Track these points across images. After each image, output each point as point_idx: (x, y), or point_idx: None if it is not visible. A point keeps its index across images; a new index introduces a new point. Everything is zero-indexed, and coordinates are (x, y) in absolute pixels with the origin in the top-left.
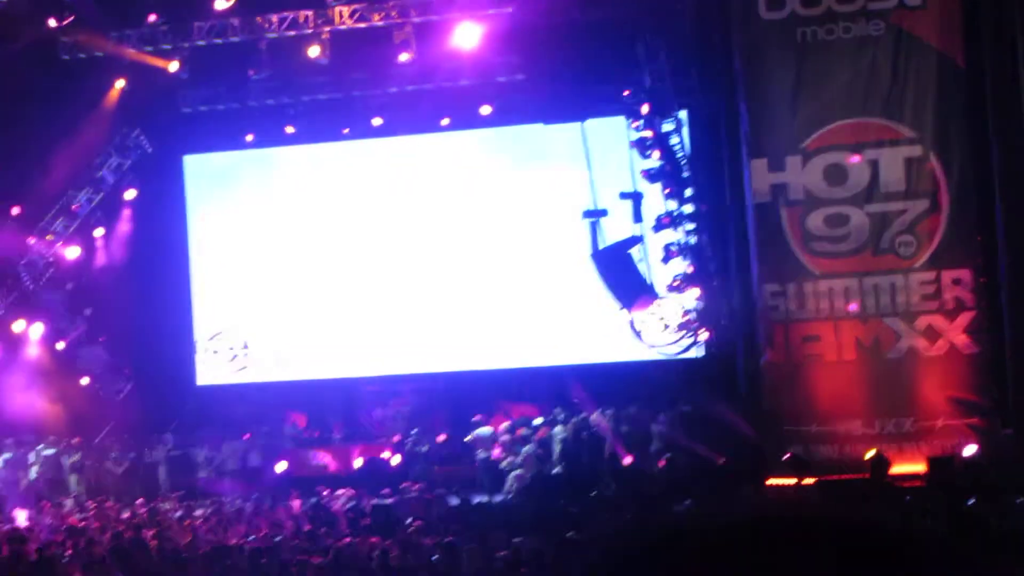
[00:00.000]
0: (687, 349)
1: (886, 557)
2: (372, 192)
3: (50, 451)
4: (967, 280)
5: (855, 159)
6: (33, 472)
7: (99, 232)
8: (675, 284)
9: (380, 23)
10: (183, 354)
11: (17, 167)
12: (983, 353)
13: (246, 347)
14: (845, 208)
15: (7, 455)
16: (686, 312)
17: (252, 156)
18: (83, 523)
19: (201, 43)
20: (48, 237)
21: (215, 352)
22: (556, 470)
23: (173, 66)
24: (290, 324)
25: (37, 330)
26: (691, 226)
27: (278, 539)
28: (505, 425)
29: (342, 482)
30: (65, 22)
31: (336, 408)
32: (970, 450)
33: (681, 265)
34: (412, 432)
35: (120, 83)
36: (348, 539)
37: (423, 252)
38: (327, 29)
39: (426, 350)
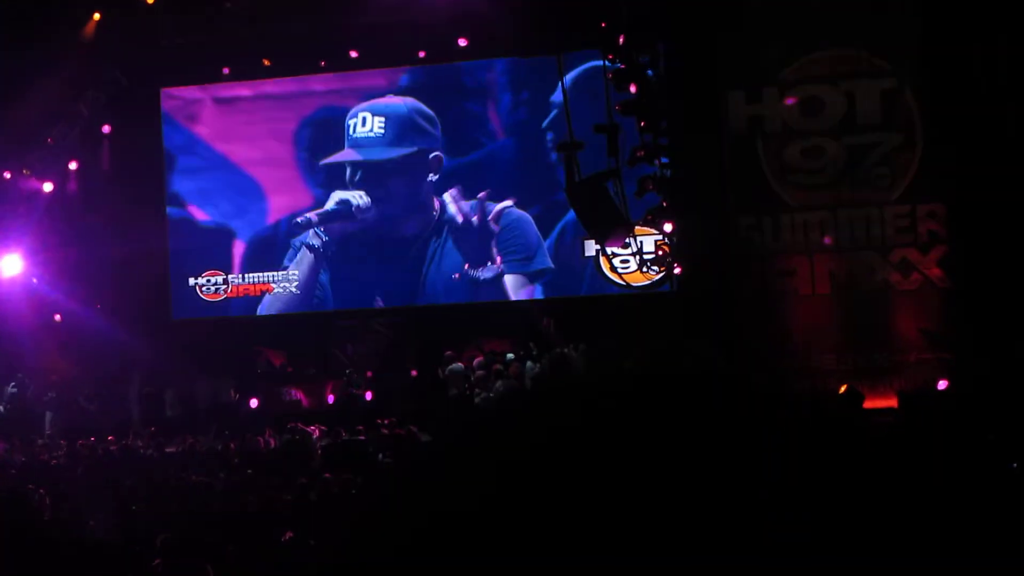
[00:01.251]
0: (662, 283)
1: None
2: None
3: (14, 389)
4: (942, 214)
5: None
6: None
7: (74, 165)
8: (650, 218)
9: None
10: (158, 289)
11: None
12: (957, 287)
13: (226, 282)
14: (821, 140)
15: None
16: (661, 246)
17: (228, 89)
18: (54, 461)
19: None
20: (24, 172)
21: (194, 286)
22: None
23: None
24: (267, 259)
25: (11, 264)
26: (666, 159)
27: (250, 472)
28: (478, 360)
29: (316, 418)
30: None
31: (309, 344)
32: (943, 385)
33: (656, 198)
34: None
35: (96, 16)
36: (328, 475)
37: (387, 188)
38: None
39: (400, 284)
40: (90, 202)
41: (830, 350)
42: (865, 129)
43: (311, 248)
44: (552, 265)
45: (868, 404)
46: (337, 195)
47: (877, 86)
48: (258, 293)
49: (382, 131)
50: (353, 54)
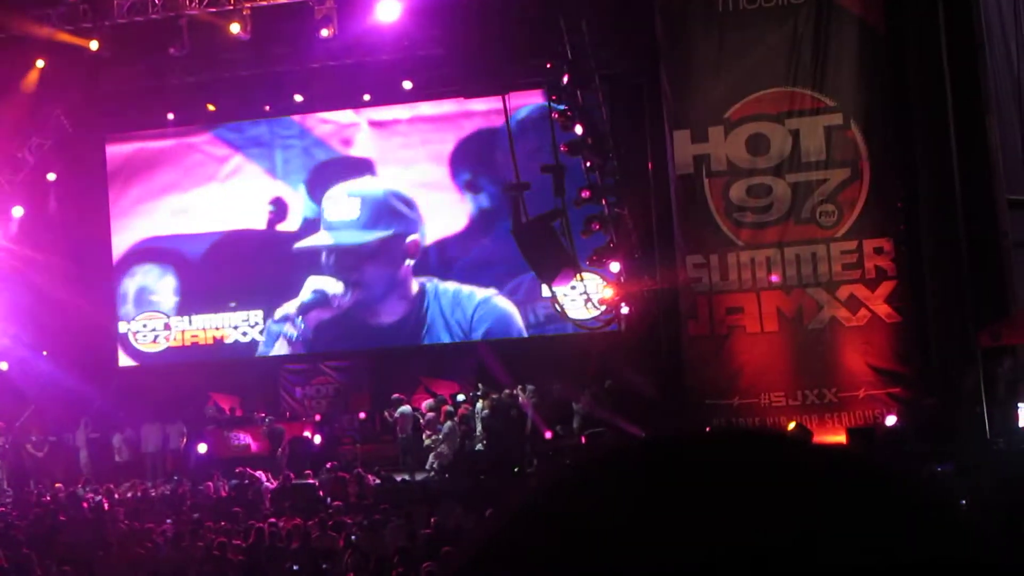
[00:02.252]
0: (609, 323)
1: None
2: (290, 168)
3: None
4: (888, 249)
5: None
6: None
7: (18, 212)
8: (597, 257)
9: None
10: (105, 336)
11: None
12: (905, 322)
13: (168, 328)
14: (767, 178)
15: None
16: (607, 285)
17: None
18: (1, 508)
19: (121, 21)
20: None
21: (137, 333)
22: (478, 447)
23: (93, 45)
24: (212, 305)
25: None
26: (613, 198)
27: (197, 518)
28: (427, 403)
29: (264, 463)
30: None
31: (258, 389)
32: (891, 420)
33: (603, 238)
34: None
35: (40, 62)
36: (271, 520)
37: (345, 228)
38: (248, 5)
39: (347, 329)
40: (36, 248)
41: (779, 387)
42: (810, 166)
43: (287, 338)
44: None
45: (817, 441)
46: (312, 282)
47: (821, 123)
48: (210, 342)
49: (356, 214)
50: (299, 98)
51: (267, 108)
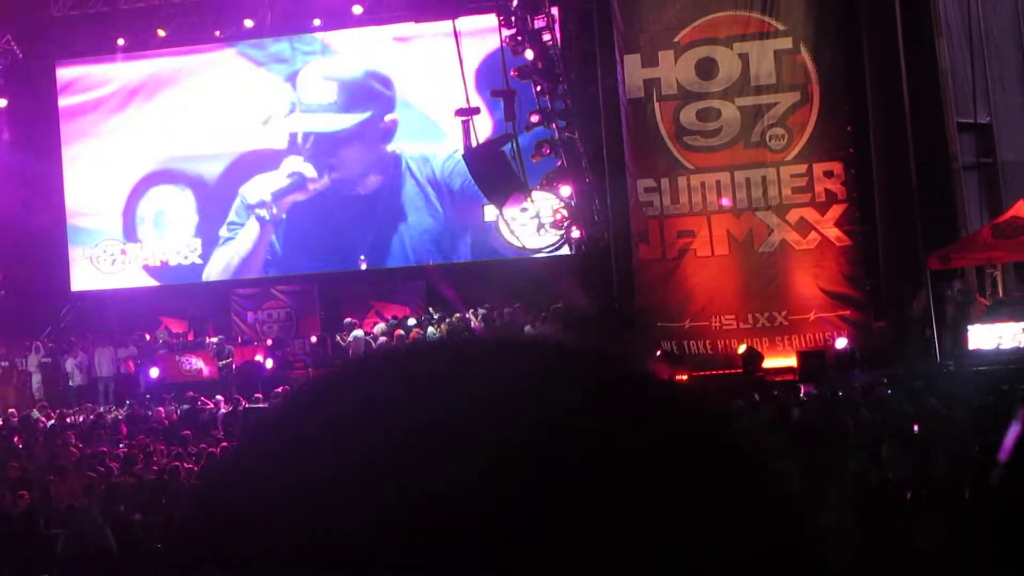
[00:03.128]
0: (560, 246)
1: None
2: (243, 93)
3: None
4: (838, 172)
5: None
6: None
7: None
8: (547, 181)
9: None
10: (57, 261)
11: None
12: (855, 245)
13: (124, 253)
14: (716, 102)
15: None
16: (558, 209)
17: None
18: None
19: None
20: None
21: (91, 258)
22: None
23: None
24: (164, 229)
25: None
26: (563, 123)
27: (149, 442)
28: (379, 327)
29: (216, 387)
30: None
31: (210, 313)
32: (841, 342)
33: (554, 162)
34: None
35: None
36: (223, 444)
37: (340, 156)
38: None
39: (299, 252)
40: None
41: (730, 310)
42: (760, 90)
43: (260, 220)
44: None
45: (768, 363)
46: (288, 164)
47: (771, 47)
48: (159, 264)
49: (333, 98)
50: (249, 23)
51: (217, 33)
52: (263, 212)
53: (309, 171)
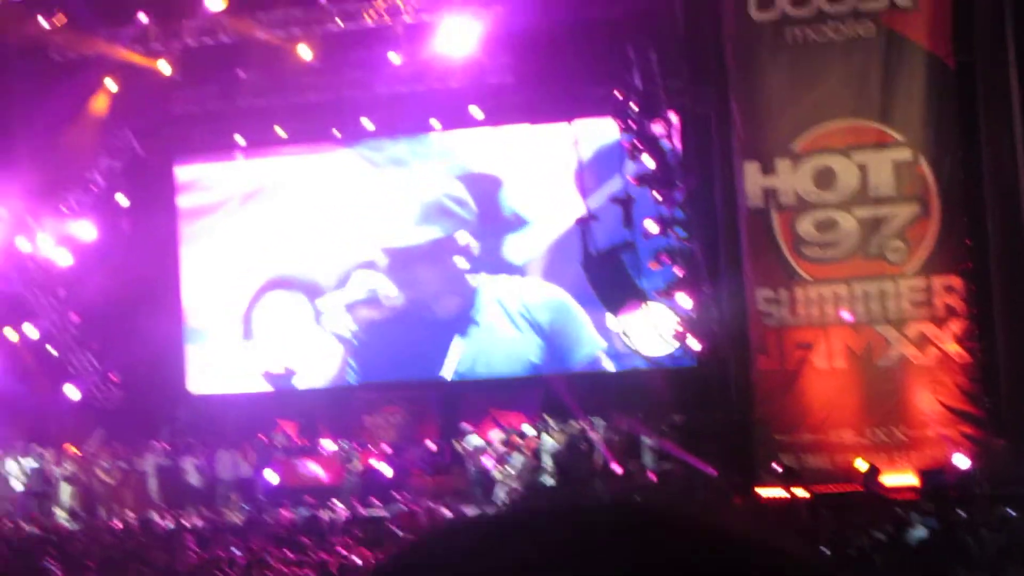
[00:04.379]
0: (678, 357)
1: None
2: (363, 195)
3: (32, 462)
4: (958, 287)
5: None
6: (16, 483)
7: (89, 234)
8: (666, 290)
9: (371, 23)
10: (175, 362)
11: (5, 168)
12: (975, 361)
13: (240, 356)
14: (835, 212)
15: None
16: (677, 319)
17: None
18: (71, 534)
19: (191, 43)
20: (40, 239)
21: (207, 360)
22: (547, 480)
23: (163, 67)
24: (282, 332)
25: (26, 335)
26: (682, 230)
27: (266, 548)
28: (496, 435)
29: (333, 492)
30: (55, 21)
31: (326, 417)
32: (962, 460)
33: (672, 271)
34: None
35: (110, 84)
36: (339, 551)
37: (415, 257)
38: (317, 29)
39: (418, 357)
40: (105, 271)
41: (848, 424)
42: (878, 201)
43: (339, 338)
44: (605, 344)
45: (886, 479)
46: (364, 281)
47: (890, 157)
48: (281, 370)
49: (409, 216)
50: (368, 124)
51: (337, 133)
52: (338, 327)
53: (385, 287)
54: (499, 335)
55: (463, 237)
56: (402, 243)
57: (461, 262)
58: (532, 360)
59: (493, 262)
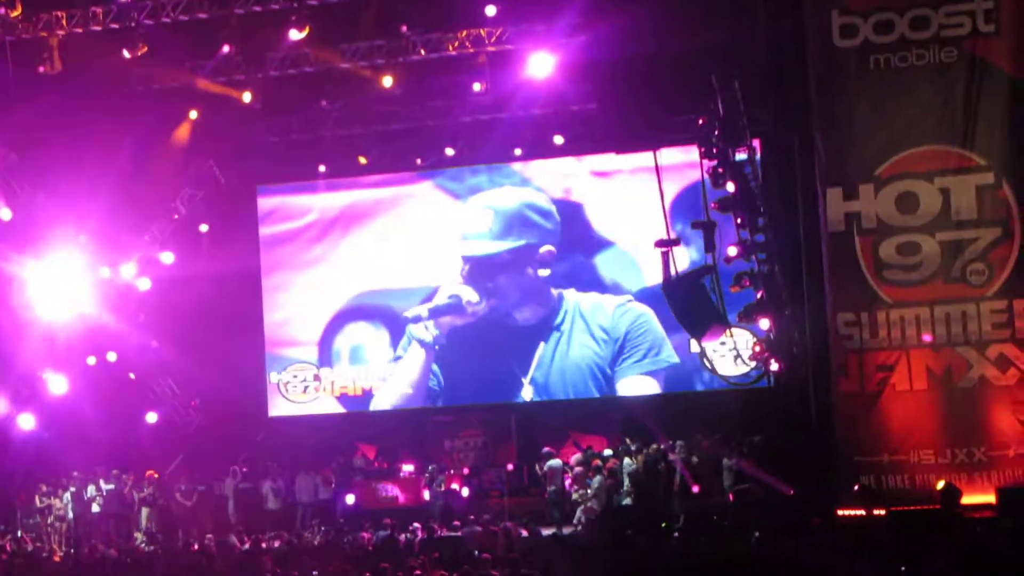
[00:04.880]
0: (759, 379)
1: None
2: (443, 221)
3: (110, 485)
4: None
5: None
6: (95, 506)
7: (170, 261)
8: (747, 314)
9: (453, 53)
10: (255, 387)
11: (91, 197)
12: None
13: (317, 379)
14: (917, 236)
15: (72, 489)
16: (758, 342)
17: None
18: (149, 556)
19: (274, 73)
20: (123, 267)
21: (286, 384)
22: (626, 501)
23: (246, 96)
24: (360, 363)
25: (110, 361)
26: (763, 255)
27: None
28: (576, 457)
29: (412, 514)
30: (138, 52)
31: (406, 439)
32: None
33: (753, 295)
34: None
35: (193, 114)
36: (417, 572)
37: (496, 282)
38: (400, 59)
39: (496, 381)
40: (187, 298)
41: (928, 445)
42: (961, 225)
43: (422, 343)
44: (678, 359)
45: (966, 499)
46: (447, 288)
47: (972, 181)
48: (359, 392)
49: (490, 226)
50: (450, 151)
51: (419, 161)
52: (422, 332)
53: (468, 294)
54: (581, 353)
55: (546, 248)
56: (483, 251)
57: (544, 274)
58: (612, 380)
59: (579, 279)
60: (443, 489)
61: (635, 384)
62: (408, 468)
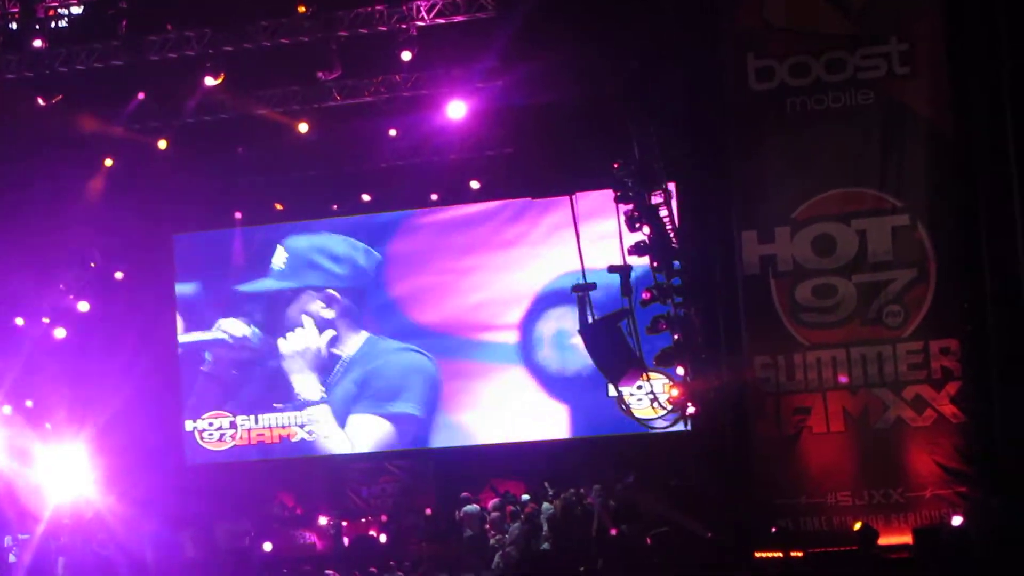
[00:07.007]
0: (675, 423)
1: None
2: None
3: (25, 536)
4: (955, 349)
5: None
6: (11, 557)
7: (84, 307)
8: (663, 358)
9: (368, 99)
10: (171, 434)
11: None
12: (971, 422)
13: (233, 427)
14: (833, 279)
15: None
16: (674, 384)
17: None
18: None
19: (190, 120)
20: (36, 317)
21: (203, 432)
22: (544, 546)
23: (161, 144)
24: (276, 403)
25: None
26: (679, 299)
27: None
28: (493, 502)
29: (330, 561)
30: (53, 100)
31: (323, 486)
32: (957, 520)
33: (669, 338)
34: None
35: (108, 161)
36: None
37: (410, 327)
38: (316, 104)
39: (413, 428)
40: (101, 347)
41: (845, 487)
42: (877, 267)
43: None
44: (419, 415)
45: (883, 541)
46: (224, 324)
47: (888, 223)
48: (276, 440)
49: (282, 265)
50: (366, 197)
51: (335, 207)
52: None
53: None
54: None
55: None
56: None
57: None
58: (531, 426)
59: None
60: (355, 536)
61: (365, 424)
62: (323, 521)
